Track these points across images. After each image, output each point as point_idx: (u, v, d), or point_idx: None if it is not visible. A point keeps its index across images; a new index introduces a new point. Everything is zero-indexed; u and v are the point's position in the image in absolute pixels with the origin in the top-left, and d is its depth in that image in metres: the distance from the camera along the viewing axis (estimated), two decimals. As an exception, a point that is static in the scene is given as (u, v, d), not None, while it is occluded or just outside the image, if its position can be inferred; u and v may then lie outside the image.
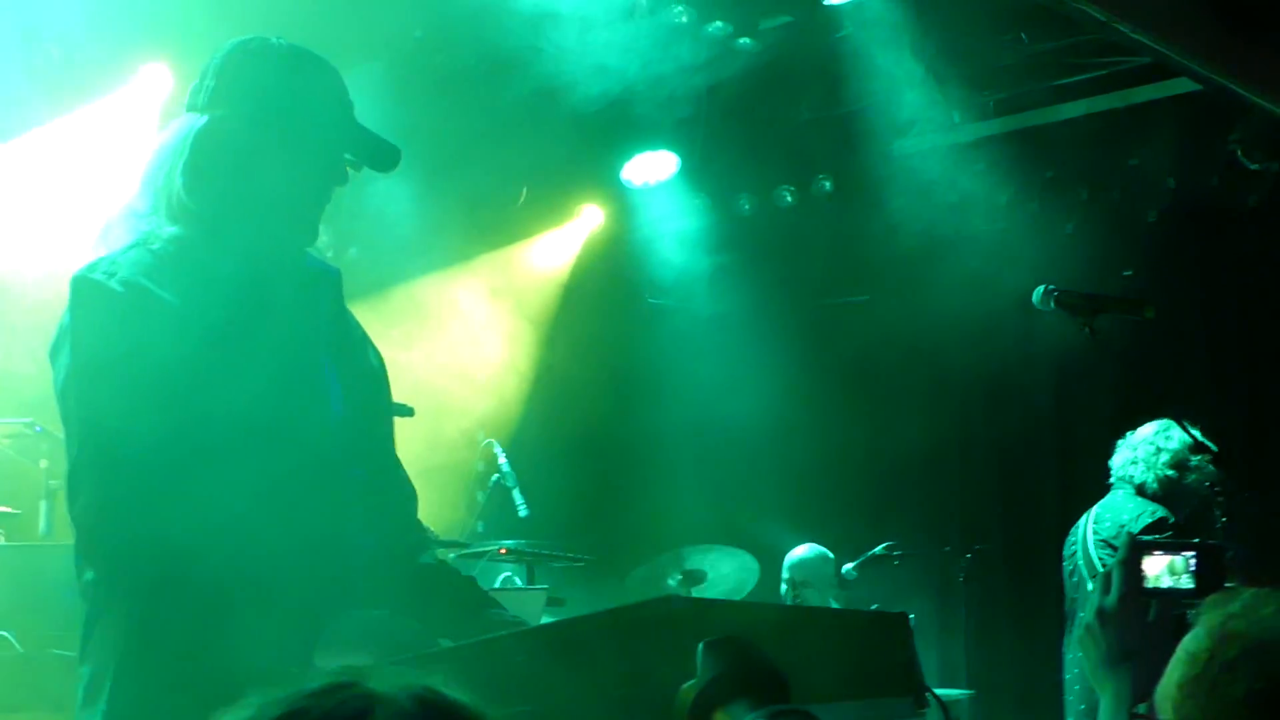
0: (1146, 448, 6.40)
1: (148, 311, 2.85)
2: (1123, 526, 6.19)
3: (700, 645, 2.21)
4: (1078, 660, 6.30)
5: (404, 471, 3.27)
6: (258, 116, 3.01)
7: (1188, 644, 2.05)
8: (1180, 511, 6.22)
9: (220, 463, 2.72)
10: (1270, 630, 1.98)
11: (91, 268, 2.93)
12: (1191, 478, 6.25)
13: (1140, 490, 6.33)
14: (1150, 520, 6.14)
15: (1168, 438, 6.35)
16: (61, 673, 4.90)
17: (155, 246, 2.96)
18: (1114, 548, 6.05)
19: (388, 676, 1.41)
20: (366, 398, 3.19)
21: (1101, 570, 5.95)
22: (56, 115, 7.23)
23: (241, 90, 3.04)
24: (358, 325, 3.29)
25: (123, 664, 2.80)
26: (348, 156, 3.10)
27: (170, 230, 2.98)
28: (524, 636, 2.80)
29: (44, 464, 6.33)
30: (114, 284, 2.88)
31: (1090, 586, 6.18)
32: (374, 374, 3.27)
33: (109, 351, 2.84)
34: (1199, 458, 6.13)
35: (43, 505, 6.31)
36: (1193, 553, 2.63)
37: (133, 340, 2.82)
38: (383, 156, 3.13)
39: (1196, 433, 5.65)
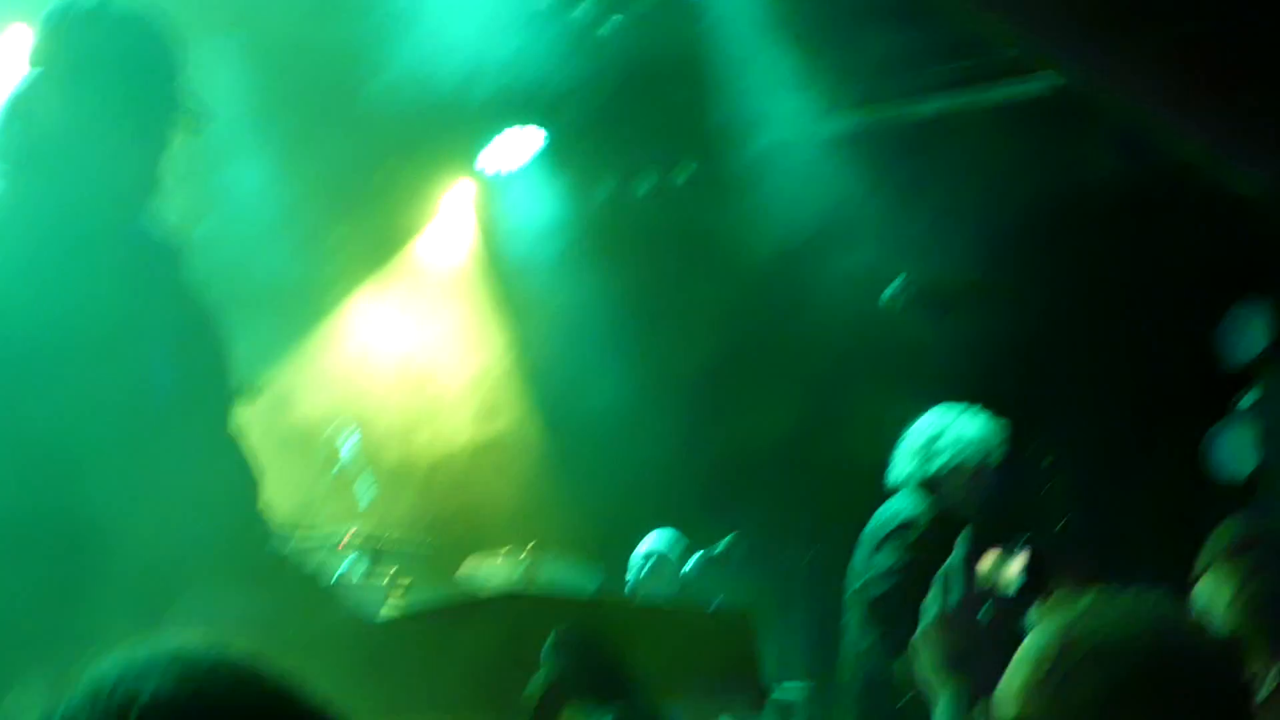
0: (906, 440, 6.17)
1: None
2: (880, 526, 5.92)
3: (545, 644, 2.20)
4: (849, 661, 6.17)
5: (243, 457, 3.17)
6: (70, 74, 2.95)
7: (1031, 645, 2.04)
8: (949, 503, 5.89)
9: (27, 445, 2.66)
10: (1115, 633, 1.98)
11: None
12: (938, 464, 5.96)
13: (909, 485, 6.05)
14: (893, 525, 5.83)
15: (921, 426, 6.14)
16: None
17: None
18: (874, 547, 5.91)
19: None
20: (202, 380, 3.10)
21: (868, 571, 5.89)
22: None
23: (57, 47, 2.99)
24: (202, 301, 3.19)
25: None
26: (179, 115, 3.02)
27: None
28: (366, 630, 2.76)
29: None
30: None
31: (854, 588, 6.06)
32: (215, 354, 3.18)
33: None
34: (946, 441, 5.96)
35: None
36: (1022, 556, 2.66)
37: None
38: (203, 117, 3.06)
39: (981, 419, 5.62)
